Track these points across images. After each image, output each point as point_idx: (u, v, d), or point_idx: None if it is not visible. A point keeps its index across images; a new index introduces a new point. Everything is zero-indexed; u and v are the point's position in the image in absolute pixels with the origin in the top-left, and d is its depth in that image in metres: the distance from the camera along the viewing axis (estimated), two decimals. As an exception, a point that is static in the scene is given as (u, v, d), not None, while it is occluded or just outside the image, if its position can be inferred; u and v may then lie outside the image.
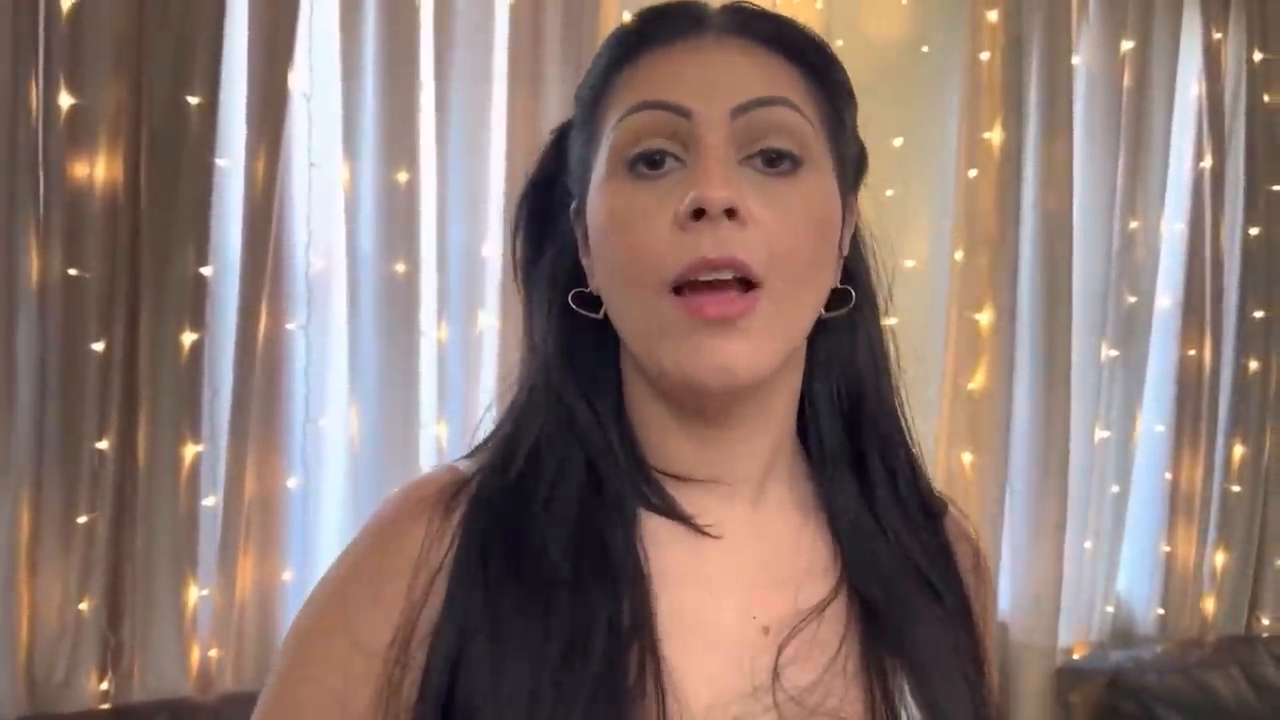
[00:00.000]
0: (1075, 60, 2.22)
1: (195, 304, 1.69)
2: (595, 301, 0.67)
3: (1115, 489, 2.35)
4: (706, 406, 0.65)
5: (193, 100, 1.66)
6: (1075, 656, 2.31)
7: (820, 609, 0.66)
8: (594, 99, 0.68)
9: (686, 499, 0.67)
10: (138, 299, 1.67)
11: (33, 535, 1.64)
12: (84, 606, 1.66)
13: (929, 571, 0.69)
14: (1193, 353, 2.38)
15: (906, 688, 0.65)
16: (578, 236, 0.69)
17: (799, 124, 0.64)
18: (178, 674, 1.72)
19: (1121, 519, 2.36)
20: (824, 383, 0.71)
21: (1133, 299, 2.32)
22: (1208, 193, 2.34)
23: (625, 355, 0.69)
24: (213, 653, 1.75)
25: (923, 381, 2.22)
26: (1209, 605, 2.44)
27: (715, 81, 0.63)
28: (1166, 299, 2.39)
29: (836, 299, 0.68)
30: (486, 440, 0.71)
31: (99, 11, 1.61)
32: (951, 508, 0.75)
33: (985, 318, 2.19)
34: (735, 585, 0.66)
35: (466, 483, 0.67)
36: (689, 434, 0.67)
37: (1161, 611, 2.41)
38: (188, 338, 1.68)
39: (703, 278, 0.60)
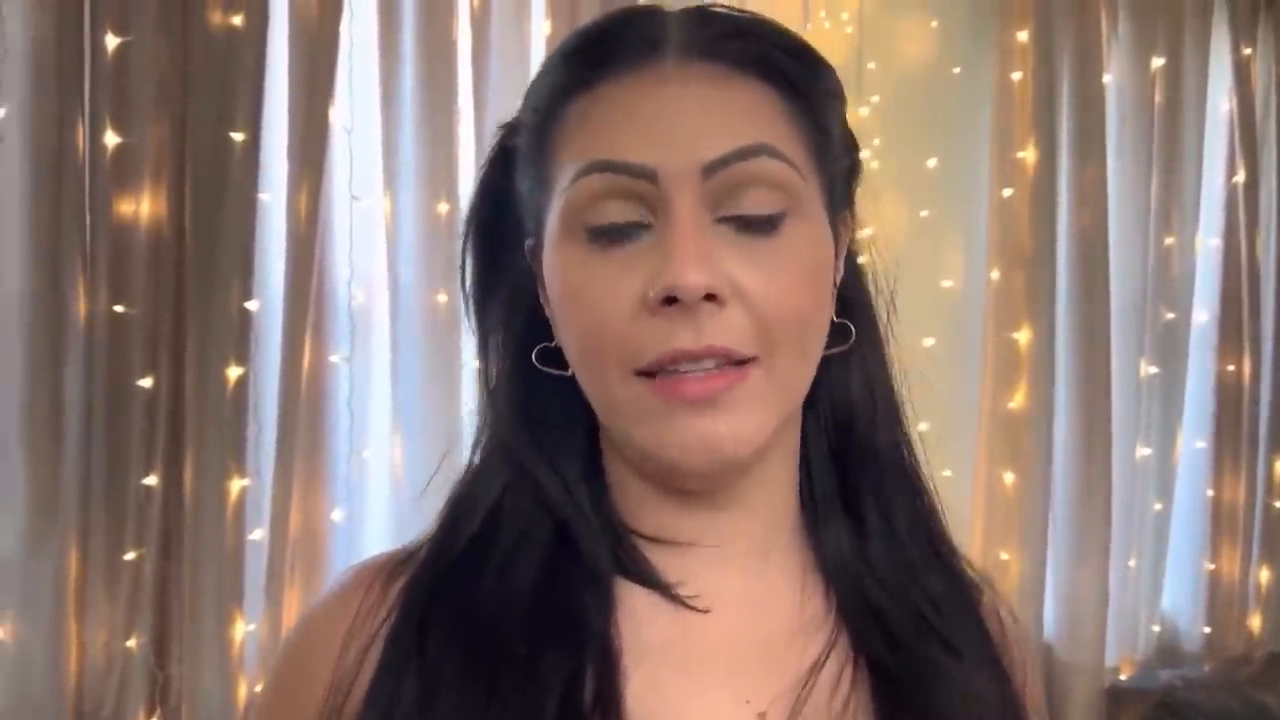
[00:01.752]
0: (1106, 79, 2.23)
1: (240, 338, 1.70)
2: (561, 354, 0.59)
3: (1158, 506, 2.33)
4: (692, 485, 0.58)
5: (236, 137, 1.68)
6: (1122, 676, 2.29)
7: (815, 671, 0.58)
8: (541, 127, 0.58)
9: (668, 564, 0.59)
10: (183, 334, 1.68)
11: (80, 572, 1.64)
12: (132, 643, 1.67)
13: (938, 623, 0.61)
14: (1231, 368, 2.37)
15: None
16: (537, 281, 0.60)
17: (781, 173, 0.55)
18: (225, 709, 1.71)
19: (1165, 537, 2.34)
20: (815, 420, 0.63)
21: (1170, 315, 2.32)
22: (1241, 207, 2.34)
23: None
24: (260, 688, 1.74)
25: (962, 401, 2.23)
26: (1255, 622, 2.41)
27: (681, 131, 0.54)
28: (1204, 314, 2.38)
29: (834, 333, 0.60)
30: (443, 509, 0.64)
31: (143, 52, 1.63)
32: (989, 590, 0.67)
33: (1023, 337, 2.18)
34: (724, 666, 0.58)
35: (415, 553, 0.62)
36: (673, 503, 0.59)
37: (1208, 629, 2.38)
38: (233, 372, 1.69)
39: (680, 370, 0.54)
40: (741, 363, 0.54)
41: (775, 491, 0.60)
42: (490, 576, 0.58)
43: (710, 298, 0.53)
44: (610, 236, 0.54)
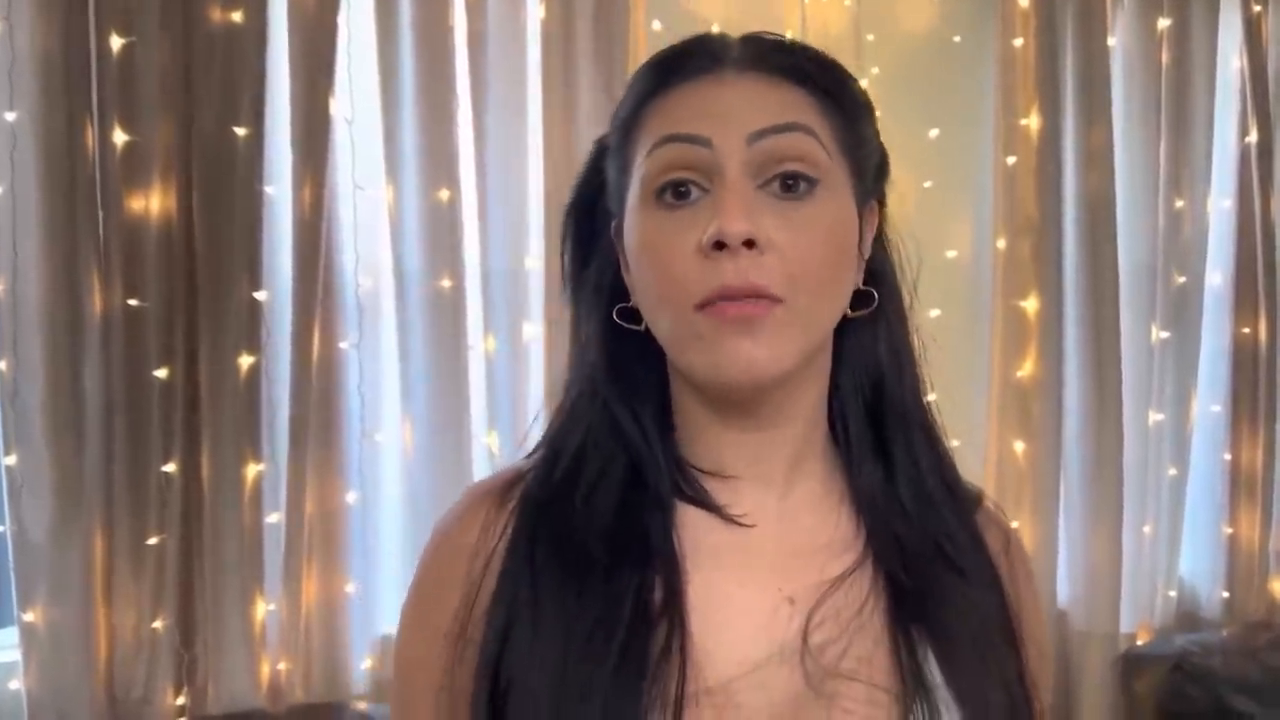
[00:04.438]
0: (1111, 41, 2.20)
1: (251, 328, 1.74)
2: (637, 314, 0.73)
3: (1172, 472, 2.32)
4: (737, 402, 0.71)
5: (240, 132, 1.72)
6: (1139, 642, 2.28)
7: (844, 578, 0.71)
8: (626, 129, 0.73)
9: (720, 491, 0.73)
10: (196, 326, 1.73)
11: (107, 558, 1.70)
12: (158, 624, 1.72)
13: (951, 552, 0.73)
14: (1247, 330, 2.34)
15: (930, 653, 0.69)
16: (619, 253, 0.74)
17: (812, 149, 0.68)
18: (249, 687, 1.77)
19: (1180, 502, 2.33)
20: (849, 377, 0.76)
21: (1182, 279, 2.30)
22: (1255, 167, 2.31)
23: (669, 361, 0.74)
24: (282, 665, 1.80)
25: (972, 371, 2.22)
26: (1276, 587, 2.40)
27: (733, 112, 0.68)
28: (1218, 277, 2.36)
29: (861, 299, 0.72)
30: (542, 441, 0.78)
31: (147, 52, 1.67)
32: (986, 500, 0.79)
33: (1031, 305, 2.18)
34: (763, 564, 0.72)
35: (521, 479, 0.75)
36: (725, 430, 0.73)
37: (1227, 594, 2.37)
38: (245, 361, 1.74)
39: (725, 302, 0.66)
40: (772, 300, 0.66)
41: (802, 421, 0.73)
42: (580, 502, 0.72)
43: (750, 244, 0.65)
44: (675, 195, 0.68)
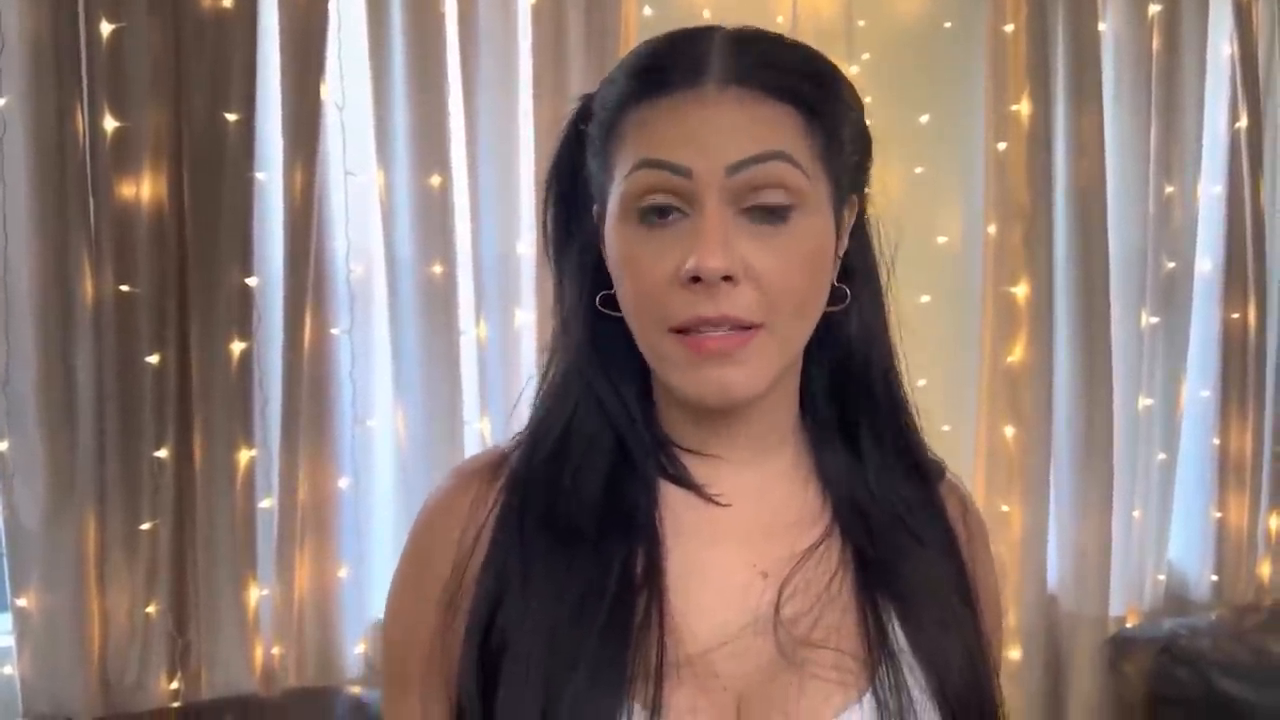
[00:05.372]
0: (1102, 27, 2.21)
1: (242, 314, 1.74)
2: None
3: (1162, 456, 2.33)
4: (713, 412, 0.74)
5: (231, 117, 1.71)
6: (1128, 625, 2.30)
7: (811, 551, 0.75)
8: (606, 130, 0.73)
9: (699, 470, 0.76)
10: (187, 312, 1.72)
11: (99, 544, 1.70)
12: (151, 610, 1.73)
13: (912, 524, 0.77)
14: (1236, 316, 2.35)
15: (895, 619, 0.73)
16: (602, 237, 0.75)
17: (791, 175, 0.68)
18: (243, 672, 1.78)
19: (1170, 487, 2.34)
20: (821, 360, 0.78)
21: (1171, 264, 2.30)
22: (1245, 153, 2.32)
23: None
24: (275, 650, 1.80)
25: (962, 357, 2.23)
26: (1265, 570, 2.41)
27: (713, 140, 0.68)
28: (1207, 263, 2.37)
29: (835, 292, 0.74)
30: (529, 421, 0.79)
31: (137, 37, 1.67)
32: (948, 473, 0.83)
33: (1021, 291, 2.18)
34: (737, 540, 0.75)
35: (506, 458, 0.77)
36: (702, 420, 0.76)
37: (1215, 578, 2.39)
38: (237, 347, 1.74)
39: (702, 331, 0.68)
40: (748, 327, 0.68)
41: (774, 414, 0.77)
42: (567, 478, 0.74)
43: (727, 278, 0.66)
44: (656, 216, 0.68)
